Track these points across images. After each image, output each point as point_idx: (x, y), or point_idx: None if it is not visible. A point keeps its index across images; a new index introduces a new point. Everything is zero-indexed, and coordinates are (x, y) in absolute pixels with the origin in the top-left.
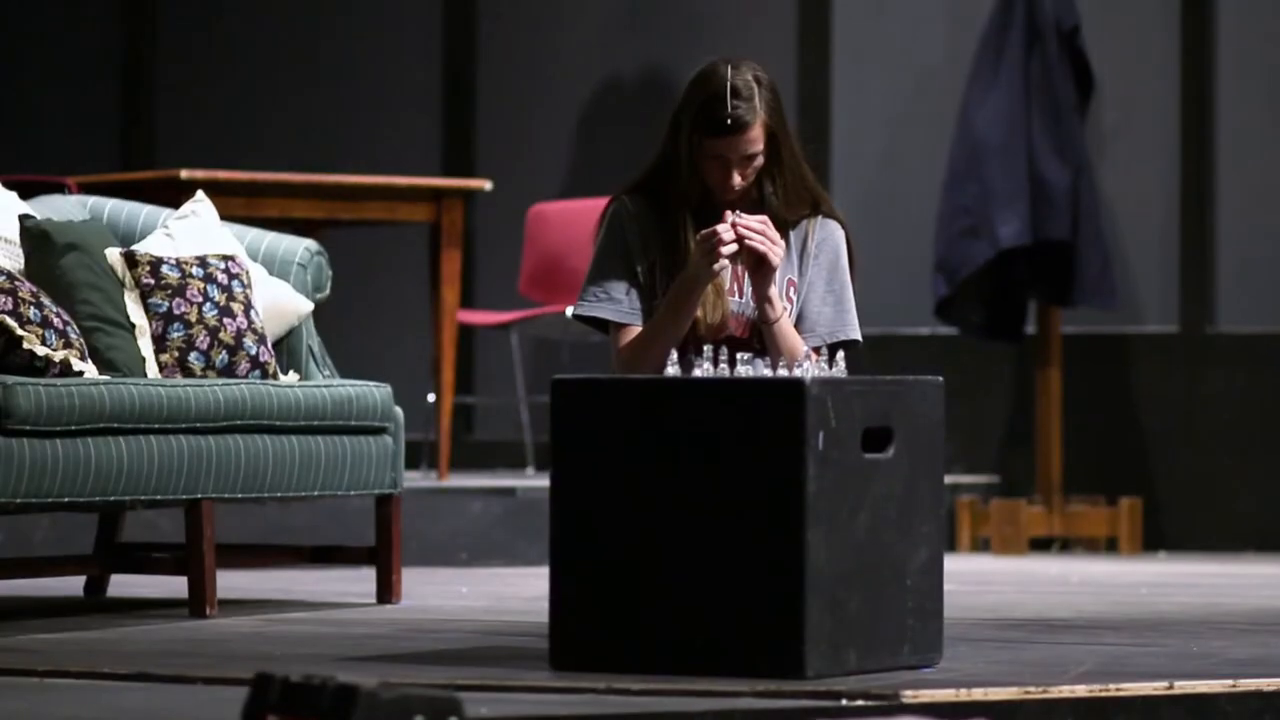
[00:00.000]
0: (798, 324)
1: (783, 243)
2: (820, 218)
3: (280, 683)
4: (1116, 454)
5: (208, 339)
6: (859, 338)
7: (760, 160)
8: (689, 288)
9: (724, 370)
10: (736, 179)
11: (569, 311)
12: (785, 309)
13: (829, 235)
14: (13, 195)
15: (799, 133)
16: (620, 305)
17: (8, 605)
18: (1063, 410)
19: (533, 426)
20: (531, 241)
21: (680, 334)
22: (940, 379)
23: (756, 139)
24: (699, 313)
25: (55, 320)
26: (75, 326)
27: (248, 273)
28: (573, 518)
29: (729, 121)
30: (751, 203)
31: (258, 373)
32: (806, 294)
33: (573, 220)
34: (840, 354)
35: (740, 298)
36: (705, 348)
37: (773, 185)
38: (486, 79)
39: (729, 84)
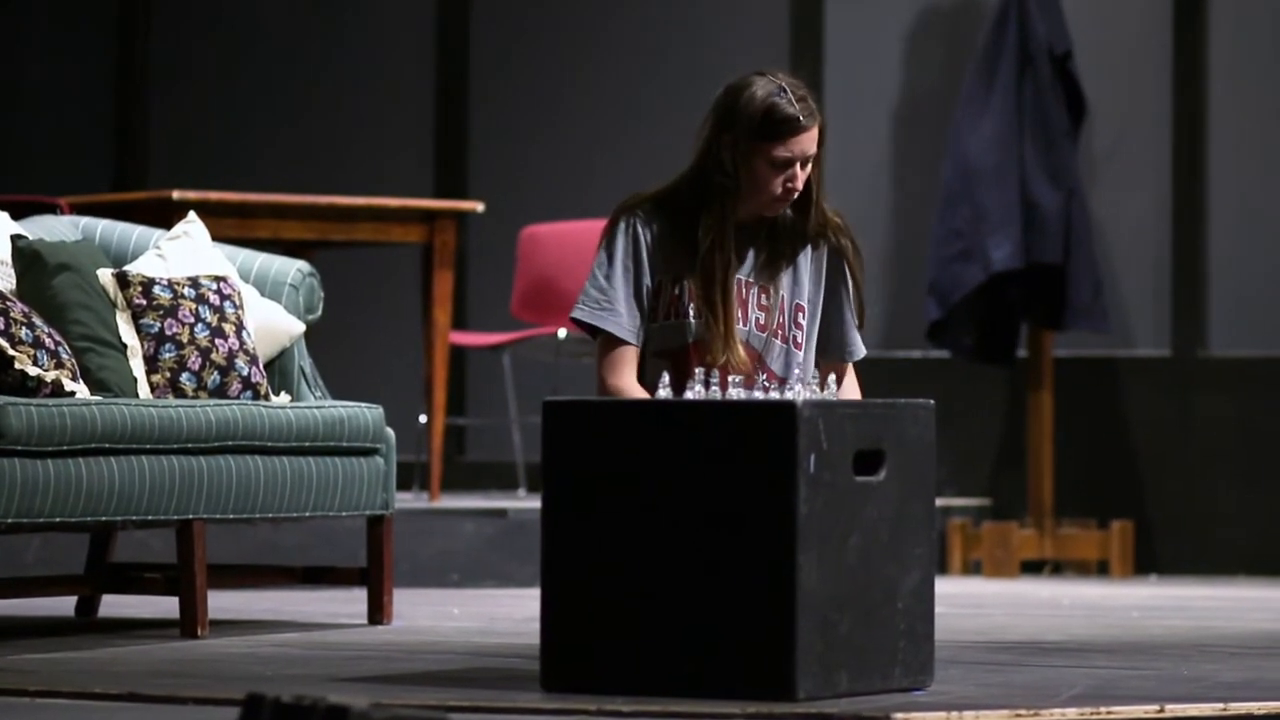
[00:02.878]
0: (831, 347)
1: None
2: (828, 242)
3: (271, 703)
4: (1108, 477)
5: (199, 360)
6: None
7: (810, 166)
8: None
9: (716, 392)
10: (800, 180)
11: (561, 333)
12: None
13: (841, 260)
14: (4, 215)
15: None
16: (621, 319)
17: None
18: (1054, 433)
19: (524, 448)
20: (524, 263)
21: None
22: (932, 402)
23: (816, 139)
24: (705, 352)
25: (47, 340)
26: (67, 347)
27: (239, 294)
28: (564, 539)
29: (801, 119)
30: (762, 219)
31: (249, 393)
32: (834, 316)
33: (565, 242)
34: (832, 376)
35: (745, 324)
36: (697, 370)
37: (808, 196)
38: (479, 101)
39: (786, 88)
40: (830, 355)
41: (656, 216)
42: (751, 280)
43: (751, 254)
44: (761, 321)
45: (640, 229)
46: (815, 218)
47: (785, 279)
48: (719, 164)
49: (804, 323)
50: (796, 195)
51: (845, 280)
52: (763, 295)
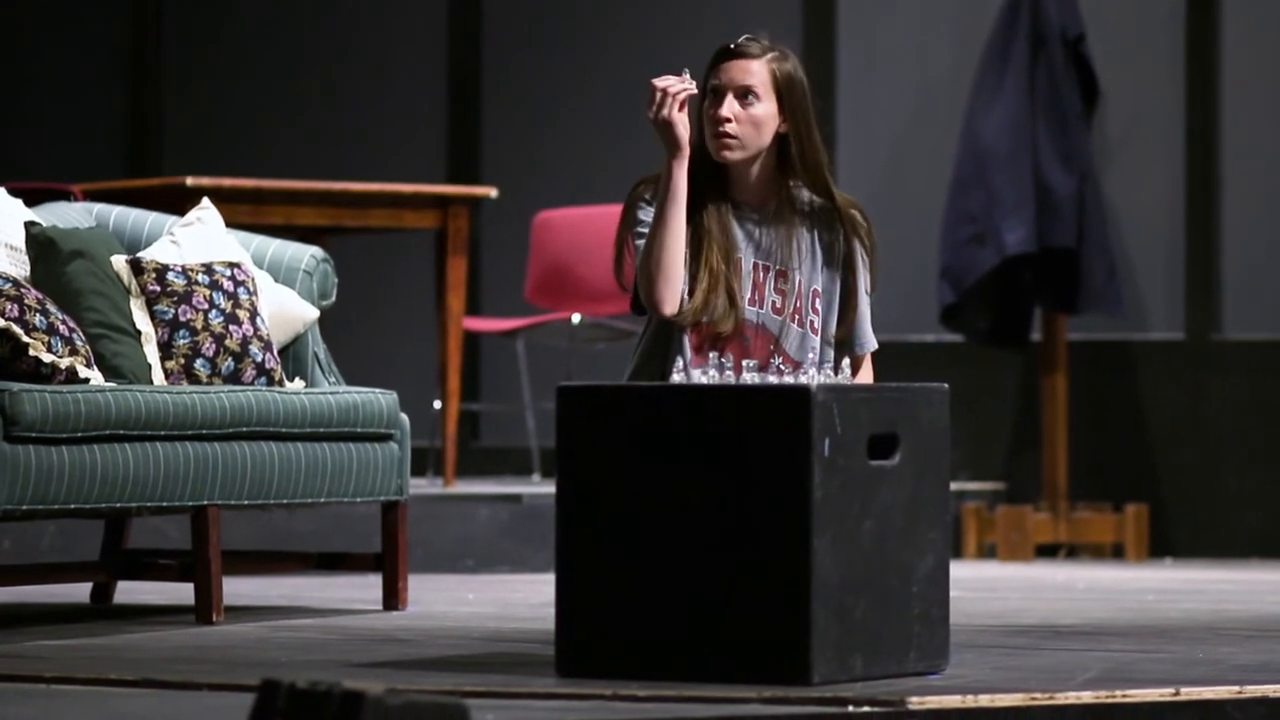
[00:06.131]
0: (841, 325)
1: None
2: (841, 232)
3: (287, 689)
4: (1122, 461)
5: (214, 346)
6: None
7: (759, 109)
8: (666, 176)
9: (729, 377)
10: (727, 107)
11: (575, 318)
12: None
13: (855, 246)
14: (19, 202)
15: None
16: None
17: (14, 612)
18: (1069, 417)
19: (539, 433)
20: (538, 249)
21: (678, 231)
22: (946, 386)
23: (756, 74)
24: (706, 315)
25: (61, 327)
26: (81, 333)
27: (253, 280)
28: (578, 524)
29: (733, 46)
30: (777, 202)
31: (264, 380)
32: (844, 308)
33: (579, 227)
34: (846, 361)
35: (761, 308)
36: (711, 355)
37: (795, 176)
38: (492, 86)
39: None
40: (841, 349)
41: None
42: (768, 264)
43: (767, 237)
44: (778, 305)
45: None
46: (809, 180)
47: (805, 263)
48: (698, 120)
49: (820, 307)
50: (730, 132)
51: (856, 273)
52: (779, 279)
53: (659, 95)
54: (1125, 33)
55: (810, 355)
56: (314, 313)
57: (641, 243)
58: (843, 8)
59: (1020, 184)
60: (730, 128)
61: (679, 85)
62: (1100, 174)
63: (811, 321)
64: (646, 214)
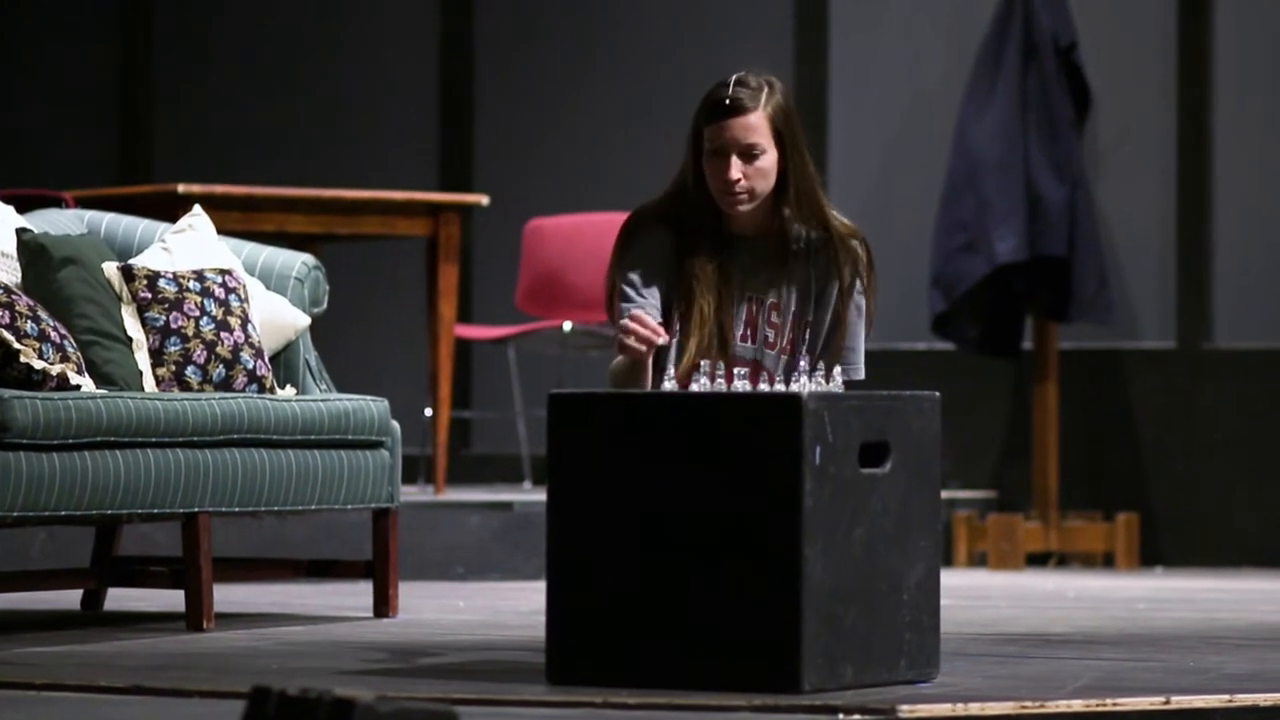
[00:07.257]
0: (827, 352)
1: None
2: (838, 259)
3: (277, 696)
4: (1113, 469)
5: (205, 353)
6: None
7: (765, 160)
8: (626, 370)
9: (721, 385)
10: (735, 169)
11: (566, 326)
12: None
13: (848, 276)
14: (10, 209)
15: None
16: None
17: (4, 619)
18: (1060, 426)
19: (530, 441)
20: (529, 256)
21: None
22: (937, 394)
23: (758, 128)
24: (695, 356)
25: (52, 334)
26: (72, 340)
27: (245, 287)
28: (569, 532)
29: (728, 102)
30: (770, 232)
31: (254, 387)
32: (833, 334)
33: (570, 235)
34: (838, 369)
35: (753, 343)
36: (702, 363)
37: (788, 205)
38: (484, 94)
39: (739, 75)
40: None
41: (661, 229)
42: (761, 297)
43: (761, 271)
44: (770, 339)
45: (653, 236)
46: (803, 210)
47: (798, 296)
48: (685, 164)
49: (811, 339)
50: (740, 191)
51: (848, 303)
52: (773, 312)
53: (638, 330)
54: (1117, 41)
55: (802, 366)
56: (305, 320)
57: (628, 287)
58: (835, 13)
59: (1011, 192)
60: (741, 186)
61: (654, 338)
62: (1092, 182)
63: (802, 352)
64: (631, 278)
